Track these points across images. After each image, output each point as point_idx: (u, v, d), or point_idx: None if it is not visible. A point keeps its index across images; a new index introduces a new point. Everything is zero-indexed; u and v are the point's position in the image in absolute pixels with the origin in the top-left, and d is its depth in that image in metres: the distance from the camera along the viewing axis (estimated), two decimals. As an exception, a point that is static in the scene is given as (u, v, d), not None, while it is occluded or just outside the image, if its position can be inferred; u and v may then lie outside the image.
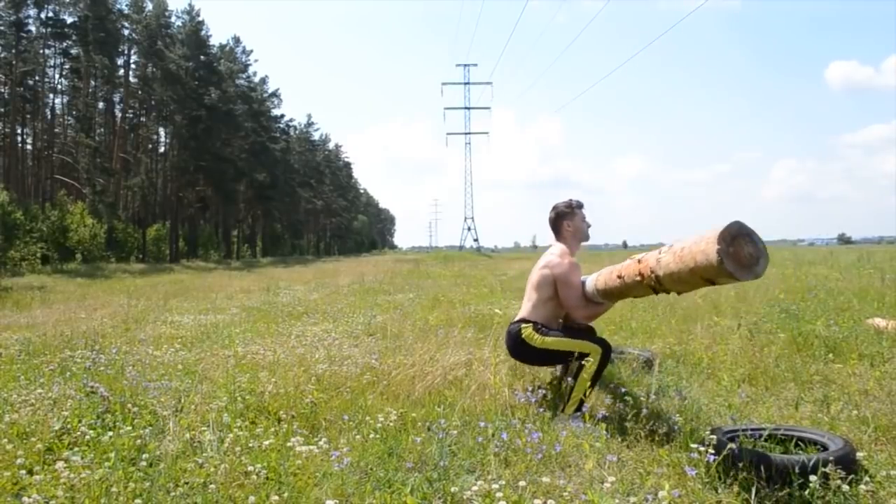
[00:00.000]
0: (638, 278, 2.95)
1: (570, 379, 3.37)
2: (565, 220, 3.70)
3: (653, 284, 2.87)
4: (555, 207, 3.74)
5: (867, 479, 2.44)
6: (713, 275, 2.47)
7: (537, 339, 3.49)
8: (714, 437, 2.62)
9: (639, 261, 2.99)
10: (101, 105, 41.06)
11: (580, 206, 3.73)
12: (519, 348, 3.59)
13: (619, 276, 3.15)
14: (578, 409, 3.31)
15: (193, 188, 45.77)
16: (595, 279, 3.44)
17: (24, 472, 2.50)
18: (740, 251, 2.37)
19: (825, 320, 5.95)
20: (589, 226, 3.75)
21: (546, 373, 4.13)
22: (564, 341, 3.46)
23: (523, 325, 3.56)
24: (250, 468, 2.49)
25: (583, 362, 3.35)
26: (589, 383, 3.33)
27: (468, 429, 3.08)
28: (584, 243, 3.76)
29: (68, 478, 2.34)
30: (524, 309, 3.67)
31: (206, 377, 4.24)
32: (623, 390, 3.59)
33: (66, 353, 5.03)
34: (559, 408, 3.38)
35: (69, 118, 40.95)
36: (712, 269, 2.42)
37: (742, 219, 2.43)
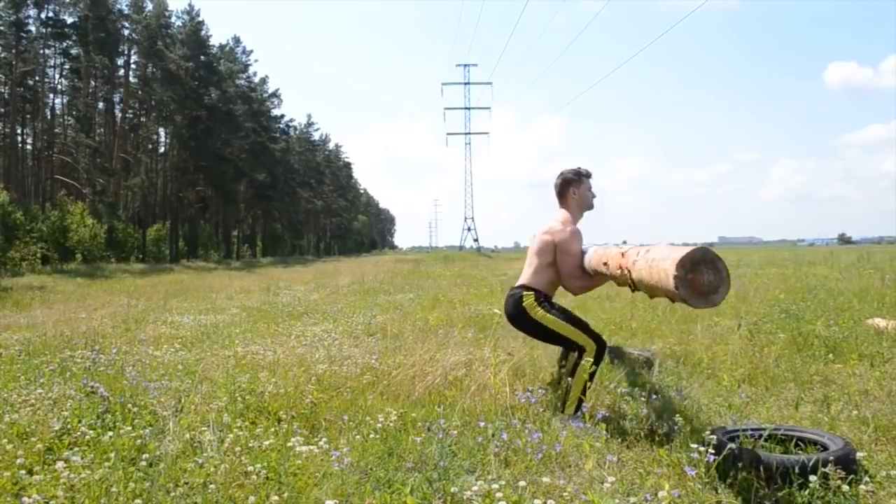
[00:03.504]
0: (619, 271, 2.93)
1: (569, 378, 3.37)
2: (571, 186, 3.64)
3: (630, 283, 2.86)
4: (561, 174, 3.68)
5: (867, 479, 2.44)
6: (671, 296, 2.47)
7: (538, 313, 3.45)
8: (714, 437, 2.62)
9: (622, 254, 2.97)
10: (101, 105, 41.03)
11: (588, 174, 3.68)
12: (517, 315, 3.55)
13: (605, 263, 3.14)
14: (578, 408, 3.30)
15: (193, 188, 45.77)
16: (591, 255, 3.42)
17: (24, 472, 2.49)
18: (699, 279, 2.34)
19: (825, 320, 5.95)
20: (594, 196, 3.69)
21: (546, 372, 4.13)
22: (563, 325, 3.43)
23: (525, 293, 3.52)
24: (250, 468, 2.49)
25: (581, 361, 3.34)
26: (588, 381, 3.32)
27: (468, 429, 3.08)
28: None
29: (68, 478, 2.35)
30: (525, 275, 3.62)
31: (206, 377, 4.23)
32: (623, 390, 3.59)
33: (66, 353, 5.03)
34: (559, 407, 3.37)
35: (69, 118, 40.92)
36: (669, 291, 2.43)
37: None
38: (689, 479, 2.39)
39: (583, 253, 3.51)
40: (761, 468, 2.38)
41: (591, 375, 3.35)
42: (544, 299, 3.51)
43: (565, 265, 3.49)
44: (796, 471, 2.35)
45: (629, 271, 2.81)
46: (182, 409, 3.41)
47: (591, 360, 3.32)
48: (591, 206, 3.69)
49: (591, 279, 3.54)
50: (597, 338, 3.43)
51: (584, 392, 3.32)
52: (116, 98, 41.95)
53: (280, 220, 62.43)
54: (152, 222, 43.48)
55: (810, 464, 2.34)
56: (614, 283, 3.25)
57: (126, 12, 40.22)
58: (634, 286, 2.87)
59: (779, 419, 3.38)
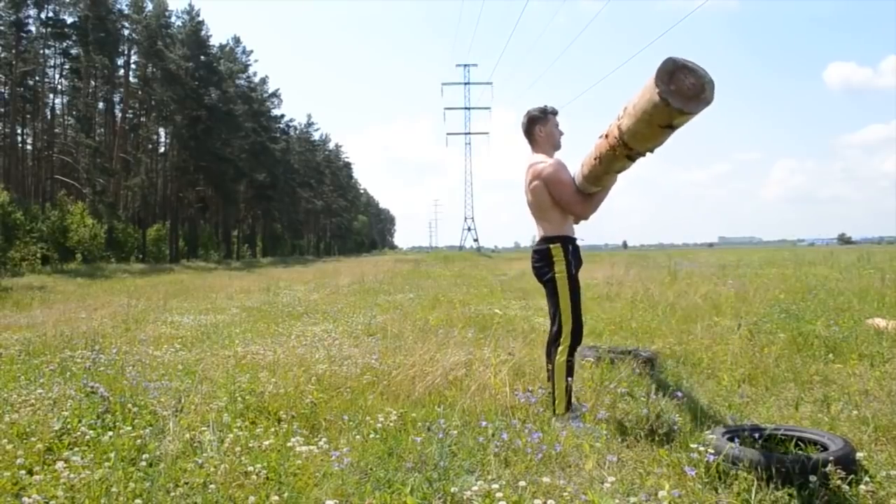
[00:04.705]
0: (611, 152, 2.86)
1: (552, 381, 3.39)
2: (538, 124, 3.56)
3: (625, 152, 2.78)
4: (527, 112, 3.60)
5: (867, 479, 2.44)
6: (668, 118, 2.40)
7: (560, 268, 3.39)
8: (714, 436, 2.62)
9: (605, 136, 2.92)
10: (101, 105, 41.02)
11: (554, 112, 3.60)
12: (542, 268, 3.48)
13: (596, 158, 3.05)
14: (569, 405, 3.31)
15: (193, 188, 45.77)
16: (579, 172, 3.34)
17: (24, 472, 2.50)
18: (682, 85, 2.31)
19: (825, 320, 5.94)
20: (561, 133, 3.61)
21: (546, 372, 4.13)
22: (566, 298, 3.38)
23: (551, 246, 3.43)
24: (250, 468, 2.49)
25: (556, 357, 3.35)
26: (565, 374, 3.32)
27: (468, 429, 3.08)
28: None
29: (68, 478, 2.35)
30: (541, 230, 3.54)
31: (206, 377, 4.23)
32: (623, 390, 3.59)
33: (66, 353, 5.03)
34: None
35: (69, 118, 40.90)
36: (664, 113, 2.37)
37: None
38: (689, 479, 2.39)
39: (573, 179, 3.42)
40: (761, 468, 2.38)
41: (570, 370, 3.35)
42: (571, 252, 3.44)
43: (563, 195, 3.41)
44: (796, 471, 2.35)
45: (619, 139, 2.73)
46: (182, 409, 3.41)
47: (565, 354, 3.33)
48: (558, 146, 3.61)
49: (590, 198, 3.45)
50: (576, 332, 3.41)
51: (569, 389, 3.32)
52: (116, 98, 41.97)
53: (280, 220, 62.39)
54: (152, 222, 43.46)
55: (810, 464, 2.34)
56: (615, 172, 3.15)
57: (126, 12, 40.22)
58: (632, 151, 2.78)
59: (779, 419, 3.37)
